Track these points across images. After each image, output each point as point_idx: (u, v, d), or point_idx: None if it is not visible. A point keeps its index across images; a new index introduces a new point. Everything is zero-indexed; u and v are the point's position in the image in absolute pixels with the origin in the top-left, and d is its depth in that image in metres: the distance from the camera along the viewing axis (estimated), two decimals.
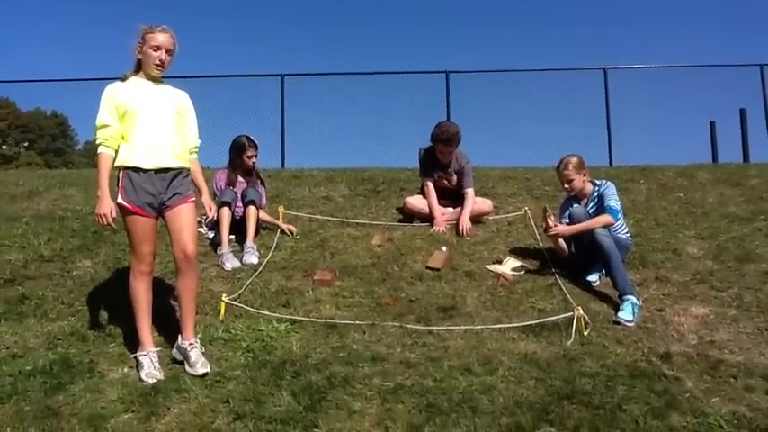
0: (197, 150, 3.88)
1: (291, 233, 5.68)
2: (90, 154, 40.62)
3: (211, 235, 5.54)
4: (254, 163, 5.69)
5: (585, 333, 3.87)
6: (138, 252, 3.51)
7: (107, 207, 3.41)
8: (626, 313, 4.07)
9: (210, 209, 3.88)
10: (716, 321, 4.08)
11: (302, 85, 15.22)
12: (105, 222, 3.43)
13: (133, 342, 3.64)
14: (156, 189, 3.52)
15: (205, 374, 3.42)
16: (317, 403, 3.13)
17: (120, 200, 3.46)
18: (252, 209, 5.32)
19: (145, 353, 3.49)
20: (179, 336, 3.61)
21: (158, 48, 3.55)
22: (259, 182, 5.78)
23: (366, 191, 7.43)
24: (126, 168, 3.48)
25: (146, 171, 3.49)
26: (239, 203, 5.42)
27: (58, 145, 50.50)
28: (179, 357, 3.56)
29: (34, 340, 3.85)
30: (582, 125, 15.27)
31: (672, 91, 13.98)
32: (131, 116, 3.50)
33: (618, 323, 4.03)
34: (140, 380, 3.37)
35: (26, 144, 47.11)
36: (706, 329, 3.98)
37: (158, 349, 3.59)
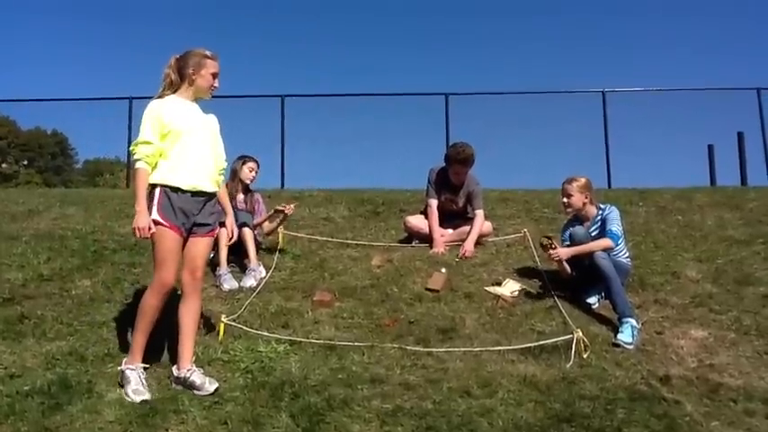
0: (224, 171, 3.97)
1: (287, 212, 5.72)
2: (90, 173, 40.72)
3: (210, 255, 5.53)
4: (254, 177, 5.75)
5: (585, 356, 3.86)
6: (164, 269, 3.50)
7: (146, 221, 3.42)
8: (625, 336, 4.07)
9: (233, 233, 4.10)
10: (715, 345, 4.07)
11: (302, 106, 15.32)
12: (142, 236, 3.43)
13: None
14: (191, 210, 3.56)
15: (217, 389, 3.45)
16: (315, 425, 3.12)
17: (155, 216, 3.45)
18: (246, 230, 5.31)
19: (133, 367, 3.47)
20: (174, 367, 3.59)
21: (216, 75, 3.71)
22: (257, 197, 5.86)
23: (366, 212, 7.45)
24: (165, 186, 3.50)
25: (184, 192, 3.53)
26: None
27: (58, 163, 50.54)
28: (180, 388, 3.52)
29: (32, 360, 3.83)
30: (580, 147, 15.38)
31: (670, 114, 14.13)
32: (176, 136, 3.54)
33: (617, 346, 4.02)
34: (126, 395, 3.35)
35: (26, 162, 47.13)
36: (705, 353, 3.98)
37: (147, 366, 3.56)
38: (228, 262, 5.21)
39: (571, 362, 3.79)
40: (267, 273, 5.23)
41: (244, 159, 5.73)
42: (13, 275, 5.10)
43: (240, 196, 5.67)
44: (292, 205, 5.76)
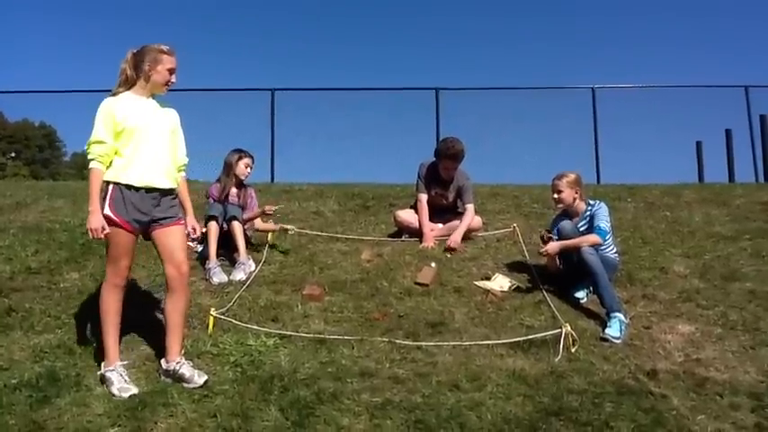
0: (185, 168, 3.91)
1: (286, 231, 5.69)
2: (78, 166, 40.39)
3: (200, 249, 5.53)
4: (248, 173, 5.72)
5: (573, 350, 3.89)
6: (116, 266, 3.50)
7: (99, 221, 3.39)
8: (613, 330, 4.10)
9: (195, 230, 3.92)
10: (702, 339, 4.11)
11: (292, 99, 15.22)
12: (96, 236, 3.42)
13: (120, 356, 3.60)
14: (146, 207, 3.53)
15: (206, 381, 3.44)
16: (305, 418, 3.12)
17: (107, 211, 3.44)
18: (235, 224, 5.30)
19: (112, 368, 3.45)
20: (162, 360, 3.57)
21: (173, 71, 3.63)
22: (250, 191, 5.83)
23: (356, 206, 7.45)
24: (117, 183, 3.48)
25: (137, 189, 3.50)
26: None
27: (45, 156, 50.20)
28: (169, 381, 3.51)
29: (20, 353, 3.82)
30: (570, 143, 15.39)
31: (659, 111, 14.11)
32: (129, 134, 3.50)
33: (605, 340, 4.06)
34: (113, 395, 3.33)
35: (13, 154, 46.76)
36: (692, 347, 4.02)
37: (125, 362, 3.56)
38: (218, 255, 5.21)
39: (559, 356, 3.82)
40: (257, 266, 5.23)
41: (240, 155, 5.67)
42: (1, 268, 5.07)
43: (233, 190, 5.64)
44: (275, 207, 5.74)
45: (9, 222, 6.43)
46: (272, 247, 5.72)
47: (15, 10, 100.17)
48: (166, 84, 3.64)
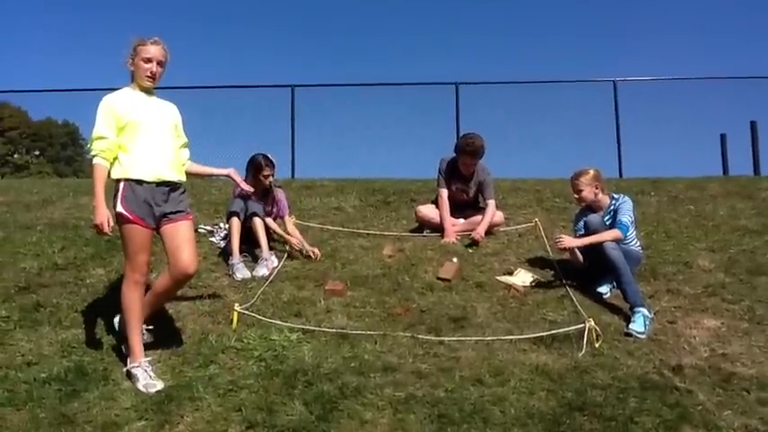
0: (186, 162, 3.94)
1: (314, 255, 5.46)
2: None
3: (223, 245, 5.57)
4: (270, 180, 5.64)
5: (597, 345, 3.87)
6: (135, 262, 3.54)
7: (103, 216, 3.45)
8: (637, 325, 4.07)
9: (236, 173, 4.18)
10: (728, 334, 4.07)
11: (312, 95, 15.26)
12: (102, 231, 3.47)
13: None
14: (156, 201, 3.57)
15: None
16: (328, 413, 3.14)
17: (119, 209, 3.49)
18: (256, 220, 5.31)
19: (137, 364, 3.50)
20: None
21: (149, 60, 3.60)
22: (278, 194, 5.77)
23: (377, 201, 7.47)
24: (128, 180, 3.52)
25: (148, 183, 3.54)
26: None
27: (69, 153, 50.72)
28: (118, 324, 3.73)
29: (49, 348, 3.88)
30: (591, 137, 15.28)
31: (682, 103, 13.94)
32: (132, 128, 3.54)
33: (629, 335, 4.03)
34: (139, 391, 3.37)
35: (37, 153, 47.35)
36: (718, 342, 3.97)
37: (150, 358, 3.60)
38: (241, 251, 5.24)
39: (583, 351, 3.80)
40: (279, 262, 5.26)
41: (257, 165, 5.51)
42: (29, 264, 5.15)
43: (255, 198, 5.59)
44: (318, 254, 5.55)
45: (36, 219, 6.53)
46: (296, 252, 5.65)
47: (38, 8, 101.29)
48: (149, 76, 3.61)
